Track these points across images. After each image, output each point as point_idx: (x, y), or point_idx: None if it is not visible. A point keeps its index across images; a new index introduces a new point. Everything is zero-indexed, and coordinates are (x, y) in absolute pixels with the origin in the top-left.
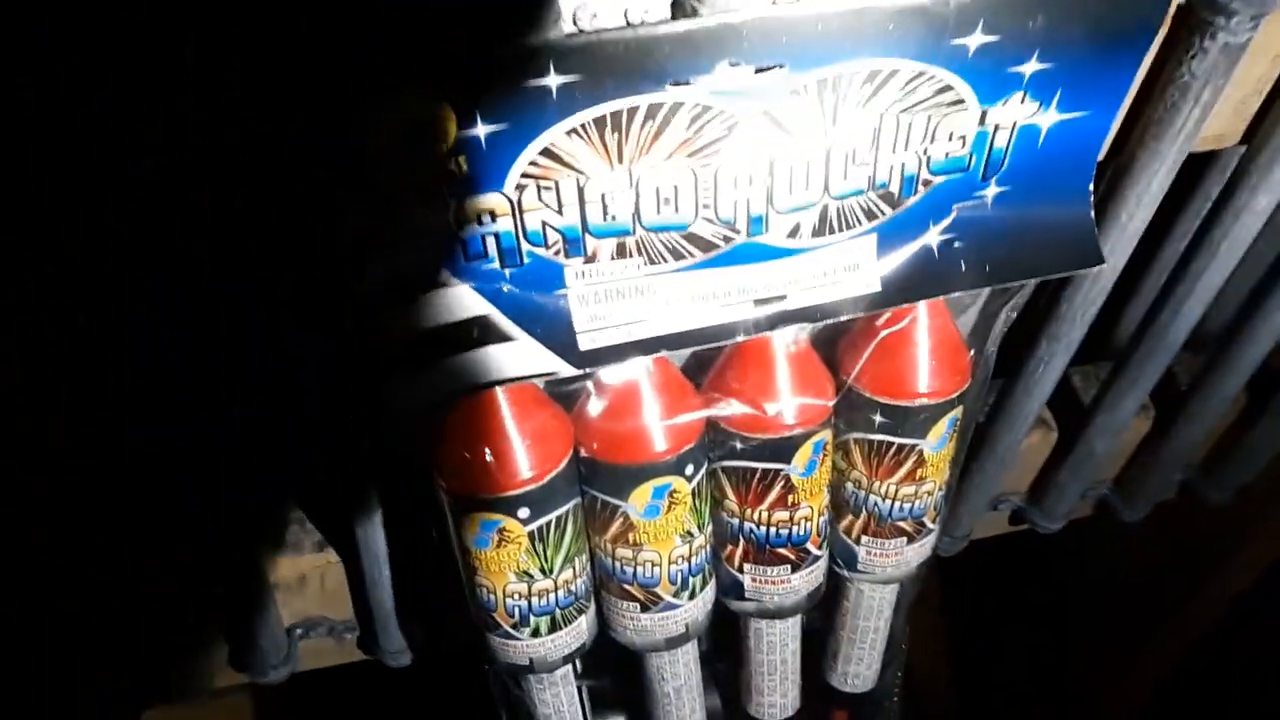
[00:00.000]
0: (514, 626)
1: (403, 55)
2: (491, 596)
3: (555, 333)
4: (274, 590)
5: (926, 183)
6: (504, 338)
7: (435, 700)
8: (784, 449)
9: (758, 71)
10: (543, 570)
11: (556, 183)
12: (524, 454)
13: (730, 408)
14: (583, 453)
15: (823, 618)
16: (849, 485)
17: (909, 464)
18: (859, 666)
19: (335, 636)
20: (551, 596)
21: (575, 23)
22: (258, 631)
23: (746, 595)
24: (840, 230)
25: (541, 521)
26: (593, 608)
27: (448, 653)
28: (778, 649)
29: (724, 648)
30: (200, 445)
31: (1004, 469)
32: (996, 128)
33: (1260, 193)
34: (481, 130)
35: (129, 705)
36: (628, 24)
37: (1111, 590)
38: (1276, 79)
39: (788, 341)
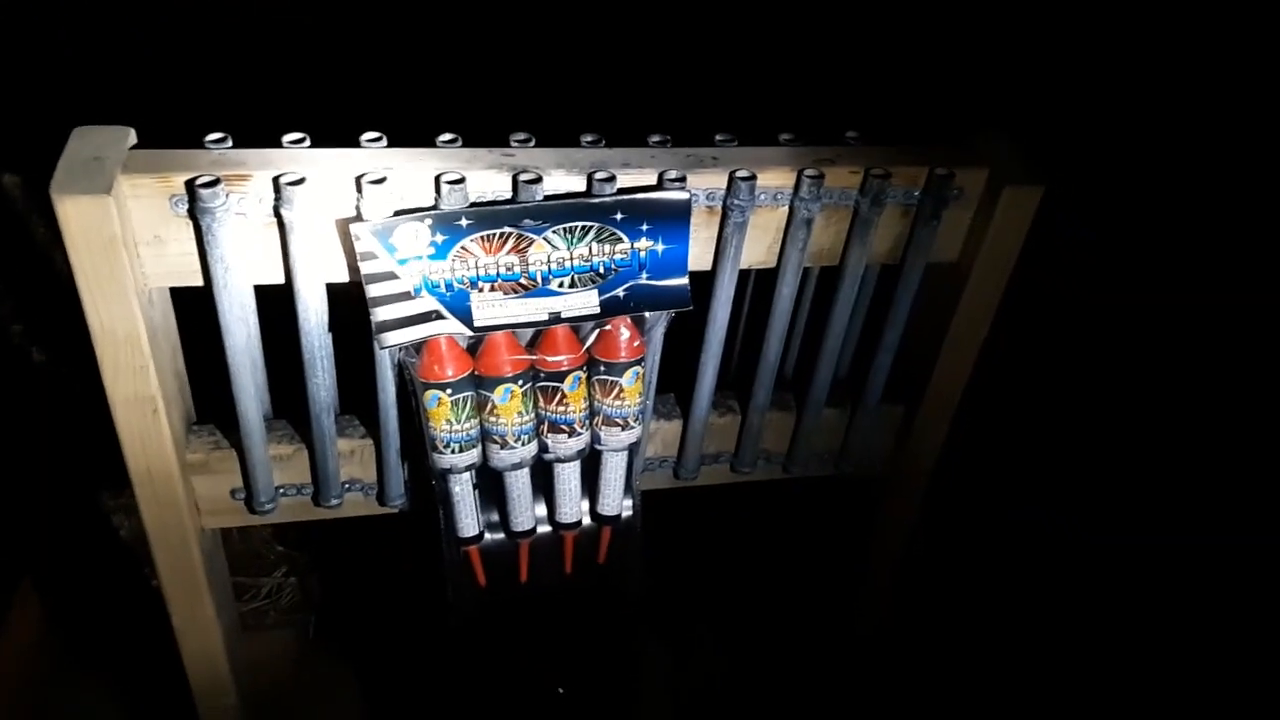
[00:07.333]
0: (444, 446)
1: None
2: (434, 431)
3: (465, 318)
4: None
5: (614, 269)
6: (443, 319)
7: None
8: (561, 376)
9: (542, 221)
10: (455, 420)
11: (474, 261)
12: (449, 364)
13: (539, 355)
14: (476, 371)
15: (592, 476)
16: (595, 401)
17: (616, 390)
18: (610, 499)
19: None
20: (460, 434)
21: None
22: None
23: (550, 449)
24: (582, 287)
25: (458, 396)
26: (479, 446)
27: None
28: (568, 481)
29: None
30: None
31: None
32: (639, 249)
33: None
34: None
35: None
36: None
37: None
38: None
39: (563, 331)
